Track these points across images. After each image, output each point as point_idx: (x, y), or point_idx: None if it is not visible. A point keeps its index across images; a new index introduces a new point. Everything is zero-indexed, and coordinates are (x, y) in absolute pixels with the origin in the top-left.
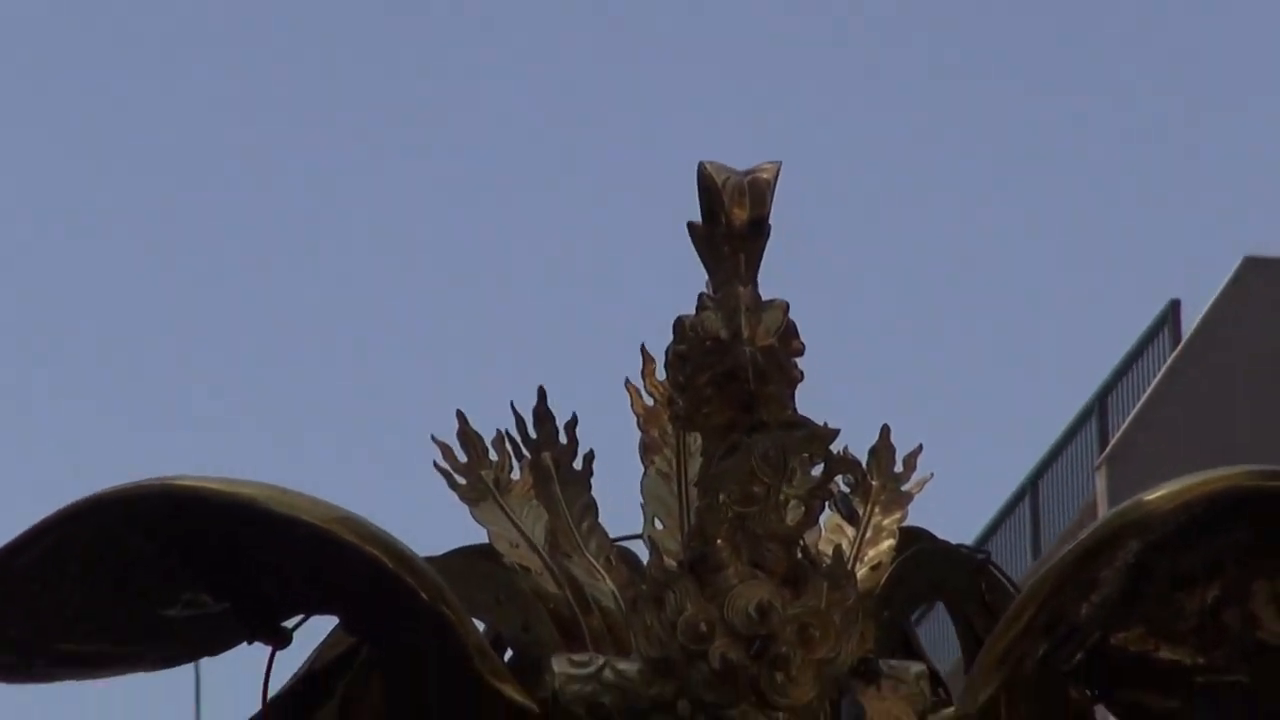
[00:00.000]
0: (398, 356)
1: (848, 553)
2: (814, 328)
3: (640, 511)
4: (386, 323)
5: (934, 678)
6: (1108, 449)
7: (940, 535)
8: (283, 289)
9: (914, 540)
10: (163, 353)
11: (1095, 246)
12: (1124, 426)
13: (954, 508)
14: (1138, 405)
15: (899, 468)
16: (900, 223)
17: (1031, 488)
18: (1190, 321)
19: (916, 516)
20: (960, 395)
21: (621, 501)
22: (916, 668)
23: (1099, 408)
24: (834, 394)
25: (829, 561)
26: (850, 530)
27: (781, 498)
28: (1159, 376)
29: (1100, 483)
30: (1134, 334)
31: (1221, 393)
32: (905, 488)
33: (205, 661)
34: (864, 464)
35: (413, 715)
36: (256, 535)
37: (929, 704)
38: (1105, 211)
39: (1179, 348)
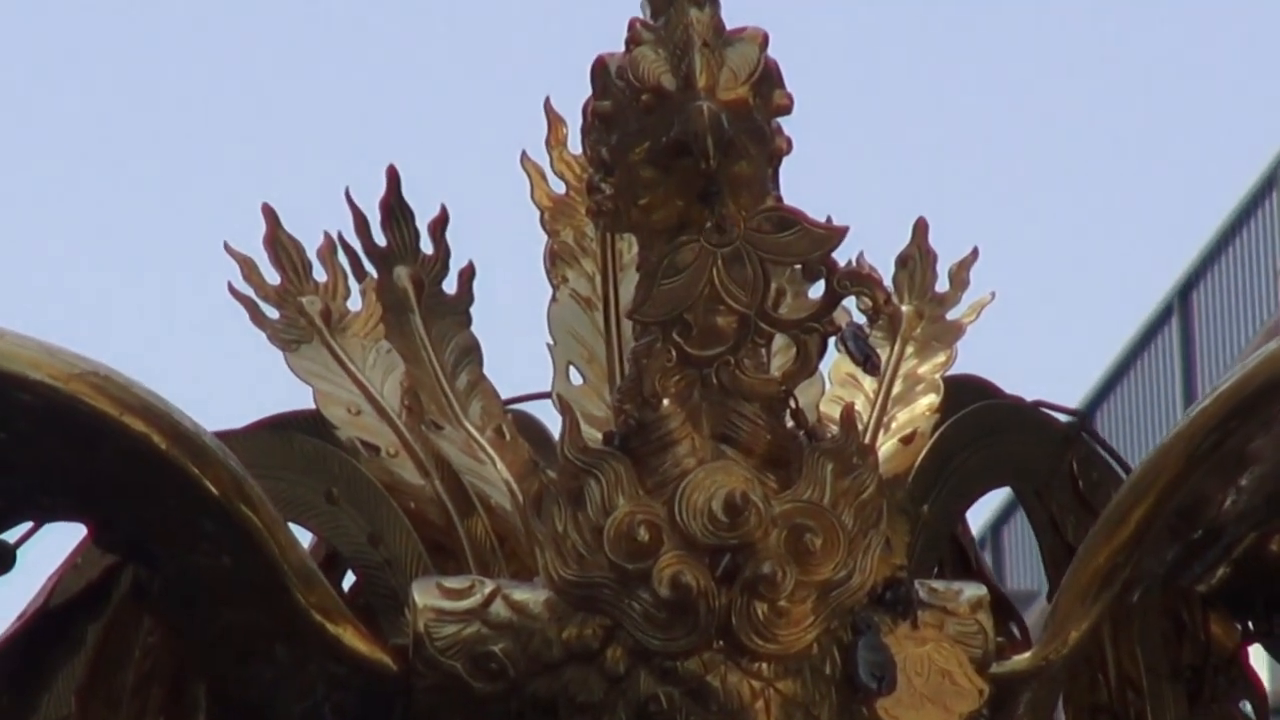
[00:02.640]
0: (186, 129)
1: (865, 418)
2: (816, 71)
3: (547, 358)
4: (180, 83)
5: (1001, 607)
6: None
7: (1009, 389)
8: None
9: (968, 397)
10: None
11: None
12: None
13: (1048, 342)
14: None
15: (943, 285)
16: None
17: (1181, 303)
18: None
19: (972, 360)
20: (1064, 162)
21: (518, 344)
22: (972, 593)
23: None
24: (848, 174)
25: (835, 432)
26: (869, 383)
27: (761, 334)
28: None
29: None
30: None
31: None
32: (953, 315)
33: None
34: (888, 280)
35: (205, 672)
36: None
37: (992, 647)
38: None
39: None
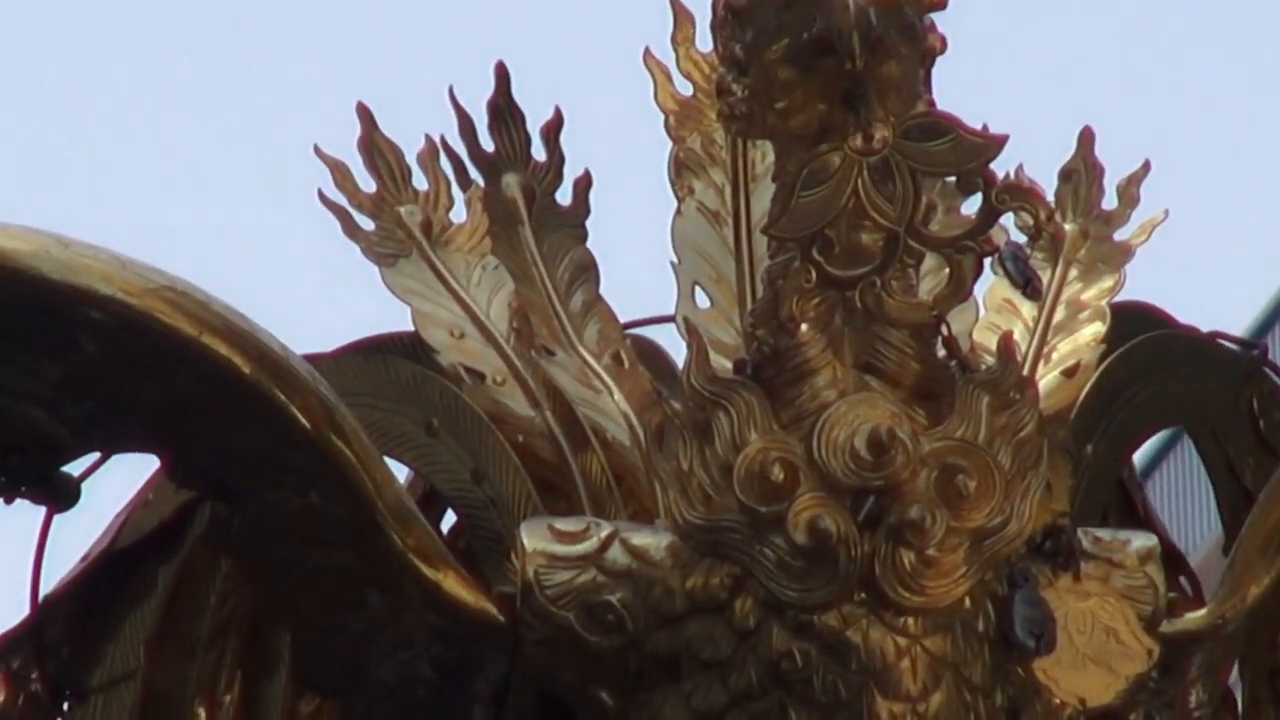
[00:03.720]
0: (275, 17)
1: (1024, 347)
2: None
3: (670, 278)
4: None
5: (1172, 559)
6: None
7: (1182, 319)
8: None
9: (1137, 326)
10: None
11: None
12: None
13: (1203, 270)
14: None
15: (1111, 201)
16: None
17: None
18: None
19: (1140, 286)
20: (1225, 79)
21: (638, 261)
22: (1141, 543)
23: None
24: (1007, 77)
25: (991, 363)
26: (1028, 310)
27: (910, 253)
28: None
29: None
30: None
31: None
32: (1121, 236)
33: None
34: (1051, 195)
35: (288, 621)
36: (19, 317)
37: (1163, 603)
38: None
39: None
